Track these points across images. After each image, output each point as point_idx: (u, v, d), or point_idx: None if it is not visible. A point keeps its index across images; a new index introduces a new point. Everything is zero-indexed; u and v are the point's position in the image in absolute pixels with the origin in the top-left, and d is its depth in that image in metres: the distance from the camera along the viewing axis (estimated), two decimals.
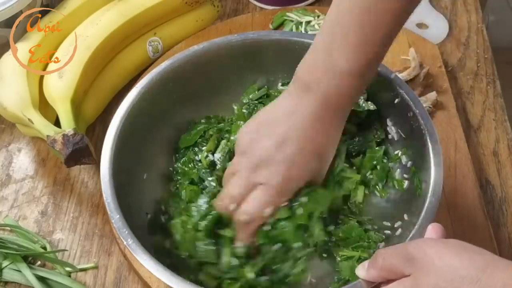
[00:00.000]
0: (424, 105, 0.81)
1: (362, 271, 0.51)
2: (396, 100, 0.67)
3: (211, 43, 0.73)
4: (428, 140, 0.63)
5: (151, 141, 0.71)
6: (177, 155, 0.74)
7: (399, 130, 0.69)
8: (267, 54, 0.73)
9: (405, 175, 0.68)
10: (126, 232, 0.59)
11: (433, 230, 0.51)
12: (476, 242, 0.71)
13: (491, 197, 0.77)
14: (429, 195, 0.59)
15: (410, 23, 0.95)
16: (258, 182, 0.60)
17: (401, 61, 0.87)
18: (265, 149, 0.60)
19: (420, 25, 0.96)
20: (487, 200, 0.76)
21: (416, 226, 0.57)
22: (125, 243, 0.58)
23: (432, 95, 0.82)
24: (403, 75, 0.83)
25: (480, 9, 0.98)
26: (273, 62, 0.74)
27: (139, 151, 0.69)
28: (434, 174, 0.60)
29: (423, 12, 0.97)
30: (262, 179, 0.60)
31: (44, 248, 0.73)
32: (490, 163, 0.80)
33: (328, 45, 0.59)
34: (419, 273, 0.45)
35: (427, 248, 0.45)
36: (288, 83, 0.74)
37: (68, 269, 0.72)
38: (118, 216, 0.60)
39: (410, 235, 0.56)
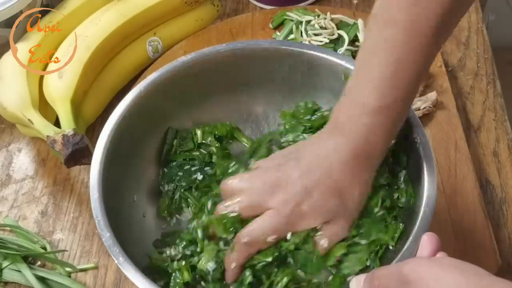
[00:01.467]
0: (424, 105, 0.81)
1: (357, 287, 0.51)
2: None
3: (198, 53, 0.71)
4: (421, 149, 0.61)
5: (140, 154, 0.70)
6: (164, 168, 0.72)
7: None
8: (256, 63, 0.72)
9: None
10: (117, 250, 0.57)
11: (428, 240, 0.51)
12: (476, 242, 0.71)
13: (491, 197, 0.77)
14: (423, 205, 0.58)
15: None
16: (269, 206, 0.57)
17: None
18: (288, 173, 0.58)
19: None
20: (487, 200, 0.76)
21: (411, 238, 0.56)
22: (116, 261, 0.57)
23: (432, 95, 0.82)
24: None
25: (480, 9, 0.98)
26: (262, 71, 0.73)
27: (128, 165, 0.68)
28: (427, 183, 0.59)
29: None
30: (275, 204, 0.57)
31: (44, 248, 0.73)
32: (490, 163, 0.80)
33: (355, 84, 0.58)
34: None
35: (422, 270, 0.45)
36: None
37: (68, 269, 0.72)
38: (108, 234, 0.58)
39: (406, 246, 0.56)
